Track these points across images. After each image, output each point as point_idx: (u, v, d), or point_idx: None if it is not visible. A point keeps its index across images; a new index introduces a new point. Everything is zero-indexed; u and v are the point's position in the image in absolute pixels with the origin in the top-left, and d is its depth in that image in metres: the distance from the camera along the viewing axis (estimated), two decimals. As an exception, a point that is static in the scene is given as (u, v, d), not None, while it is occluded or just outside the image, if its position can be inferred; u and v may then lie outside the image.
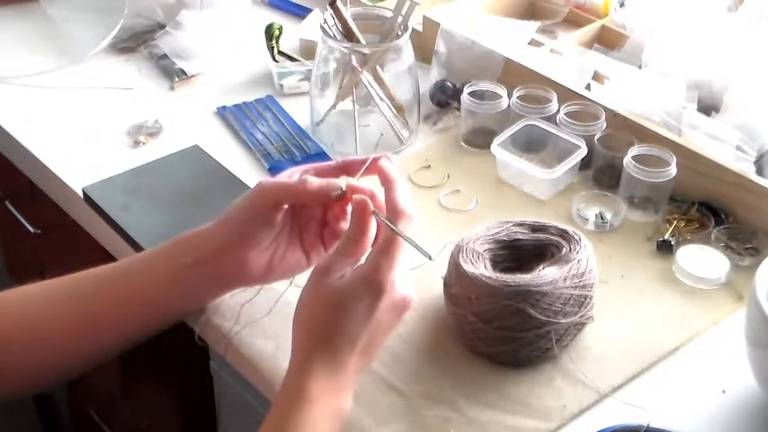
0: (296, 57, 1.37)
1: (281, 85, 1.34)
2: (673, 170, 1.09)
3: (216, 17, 1.44)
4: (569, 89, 1.20)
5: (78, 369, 0.95)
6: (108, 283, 0.92)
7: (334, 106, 1.22)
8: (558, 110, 1.17)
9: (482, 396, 0.89)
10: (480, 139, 1.21)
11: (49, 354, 0.91)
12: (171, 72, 1.37)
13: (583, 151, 1.13)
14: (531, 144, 1.16)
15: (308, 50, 1.36)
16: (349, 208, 0.88)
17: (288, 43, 1.40)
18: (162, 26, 1.43)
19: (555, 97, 1.19)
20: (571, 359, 0.92)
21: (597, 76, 1.26)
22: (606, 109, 1.17)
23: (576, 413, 0.88)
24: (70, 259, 0.98)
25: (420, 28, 1.34)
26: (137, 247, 1.05)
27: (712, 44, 1.24)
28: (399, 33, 1.19)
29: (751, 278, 0.86)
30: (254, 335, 0.95)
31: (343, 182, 0.88)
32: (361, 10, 1.22)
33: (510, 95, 1.20)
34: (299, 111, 1.29)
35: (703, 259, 1.03)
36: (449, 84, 1.28)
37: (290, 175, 0.92)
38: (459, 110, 1.24)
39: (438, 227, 1.09)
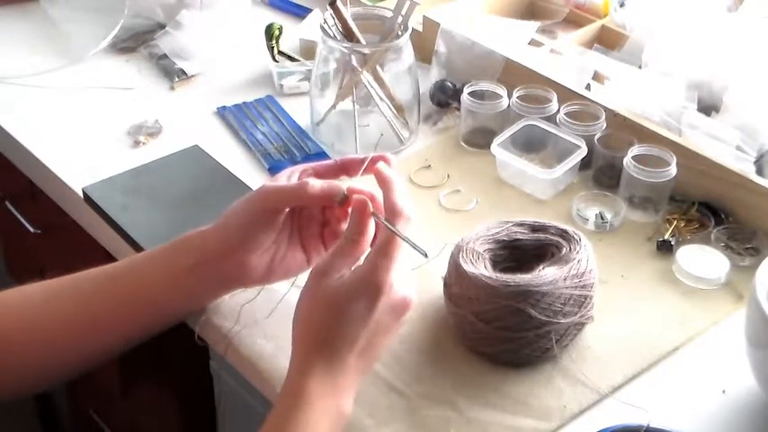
0: (296, 57, 1.37)
1: (281, 85, 1.34)
2: (673, 170, 1.09)
3: (216, 17, 1.44)
4: (569, 89, 1.20)
5: (78, 369, 0.95)
6: (108, 283, 0.92)
7: (334, 106, 1.22)
8: (558, 110, 1.17)
9: (482, 396, 0.89)
10: (480, 139, 1.21)
11: (49, 354, 0.91)
12: (171, 72, 1.37)
13: (583, 151, 1.13)
14: (531, 144, 1.16)
15: (308, 50, 1.36)
16: (350, 209, 0.88)
17: (288, 43, 1.40)
18: (162, 26, 1.43)
19: (555, 97, 1.19)
20: (571, 359, 0.92)
21: (597, 76, 1.26)
22: (606, 109, 1.17)
23: (576, 413, 0.88)
24: (70, 259, 0.98)
25: (420, 28, 1.34)
26: (137, 247, 1.05)
27: (712, 44, 1.24)
28: (399, 33, 1.19)
29: (751, 278, 0.86)
30: (254, 335, 0.95)
31: (343, 184, 0.88)
32: (361, 10, 1.22)
33: (510, 95, 1.20)
34: (299, 111, 1.29)
35: (703, 259, 1.03)
36: (449, 84, 1.28)
37: (290, 175, 0.92)
38: (459, 110, 1.24)
39: (438, 227, 1.09)
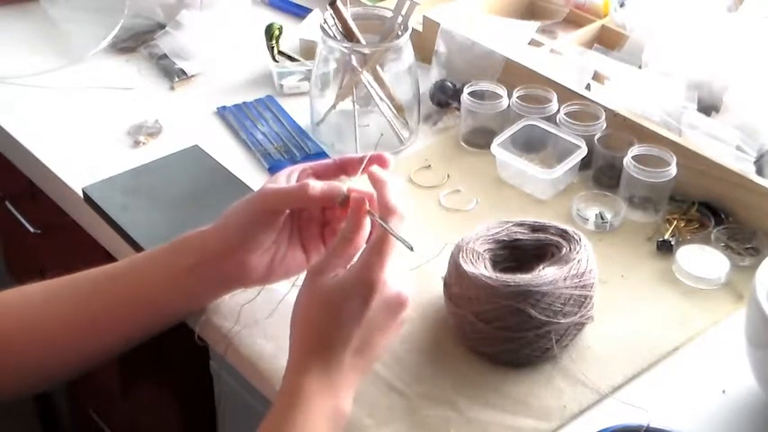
0: (296, 57, 1.37)
1: (281, 85, 1.34)
2: (673, 170, 1.09)
3: (216, 17, 1.44)
4: (569, 89, 1.20)
5: (78, 369, 0.95)
6: (108, 283, 0.92)
7: (334, 106, 1.22)
8: (558, 110, 1.17)
9: (482, 396, 0.89)
10: (480, 139, 1.21)
11: (49, 353, 0.91)
12: (171, 72, 1.37)
13: (583, 151, 1.13)
14: (531, 144, 1.16)
15: (308, 50, 1.36)
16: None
17: (288, 43, 1.40)
18: (162, 26, 1.43)
19: (555, 97, 1.19)
20: (571, 359, 0.92)
21: (597, 76, 1.26)
22: (606, 109, 1.17)
23: (576, 413, 0.88)
24: (70, 259, 0.98)
25: (420, 28, 1.34)
26: (137, 247, 1.05)
27: (712, 44, 1.24)
28: (399, 33, 1.19)
29: (751, 278, 0.86)
30: (254, 335, 0.95)
31: (344, 184, 0.88)
32: (361, 10, 1.22)
33: (510, 95, 1.20)
34: (299, 111, 1.29)
35: (703, 259, 1.03)
36: (449, 84, 1.28)
37: (289, 174, 0.92)
38: (459, 110, 1.24)
39: (438, 227, 1.09)
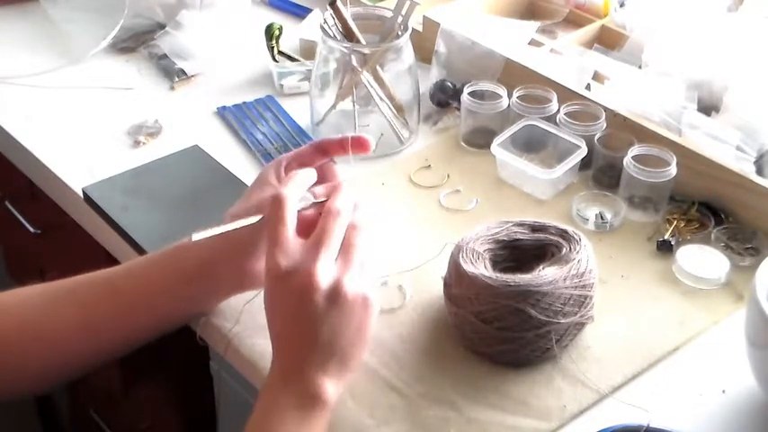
0: (296, 57, 1.37)
1: (281, 85, 1.34)
2: (673, 170, 1.09)
3: (216, 17, 1.44)
4: (569, 89, 1.20)
5: (79, 371, 0.95)
6: (108, 288, 0.92)
7: (334, 106, 1.22)
8: (558, 110, 1.17)
9: (482, 396, 0.89)
10: (480, 139, 1.21)
11: (49, 355, 0.91)
12: (171, 72, 1.37)
13: (583, 151, 1.13)
14: (531, 144, 1.16)
15: (308, 50, 1.36)
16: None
17: (288, 43, 1.40)
18: (162, 26, 1.43)
19: (555, 97, 1.19)
20: (571, 359, 0.92)
21: (597, 76, 1.26)
22: (606, 109, 1.17)
23: (576, 413, 0.88)
24: (70, 259, 0.98)
25: (420, 28, 1.34)
26: (137, 247, 1.05)
27: (712, 44, 1.24)
28: (399, 33, 1.19)
29: (751, 278, 0.86)
30: (254, 335, 0.95)
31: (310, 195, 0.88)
32: (361, 10, 1.22)
33: (510, 95, 1.20)
34: (299, 111, 1.29)
35: (703, 259, 1.03)
36: (449, 84, 1.28)
37: (277, 169, 0.93)
38: (459, 110, 1.24)
39: (438, 227, 1.09)
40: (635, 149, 1.10)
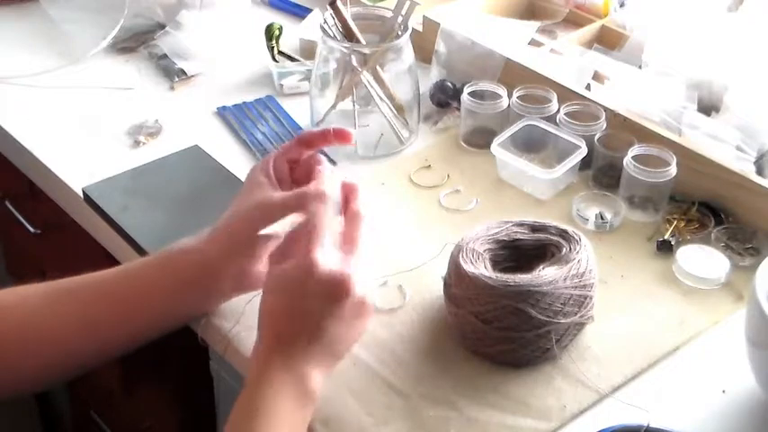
0: (296, 57, 1.37)
1: (281, 85, 1.34)
2: (673, 170, 1.09)
3: (216, 17, 1.44)
4: (569, 89, 1.21)
5: (79, 369, 0.95)
6: (107, 287, 0.92)
7: (334, 106, 1.22)
8: (558, 110, 1.17)
9: (482, 396, 0.89)
10: (480, 139, 1.21)
11: (48, 354, 0.91)
12: (171, 72, 1.37)
13: (583, 151, 1.13)
14: (531, 144, 1.16)
15: (308, 50, 1.36)
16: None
17: (288, 43, 1.40)
18: (162, 26, 1.43)
19: (555, 97, 1.19)
20: (571, 359, 0.92)
21: (597, 76, 1.26)
22: (606, 109, 1.17)
23: (576, 413, 0.88)
24: (70, 259, 0.98)
25: (420, 28, 1.34)
26: (137, 247, 1.05)
27: (712, 44, 1.25)
28: (399, 33, 1.19)
29: (751, 278, 0.86)
30: (254, 335, 0.94)
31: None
32: (361, 10, 1.22)
33: (510, 95, 1.20)
34: (299, 111, 1.29)
35: (703, 259, 1.03)
36: (449, 84, 1.28)
37: (267, 169, 0.93)
38: (459, 110, 1.24)
39: (438, 227, 1.09)
40: (635, 149, 1.10)
